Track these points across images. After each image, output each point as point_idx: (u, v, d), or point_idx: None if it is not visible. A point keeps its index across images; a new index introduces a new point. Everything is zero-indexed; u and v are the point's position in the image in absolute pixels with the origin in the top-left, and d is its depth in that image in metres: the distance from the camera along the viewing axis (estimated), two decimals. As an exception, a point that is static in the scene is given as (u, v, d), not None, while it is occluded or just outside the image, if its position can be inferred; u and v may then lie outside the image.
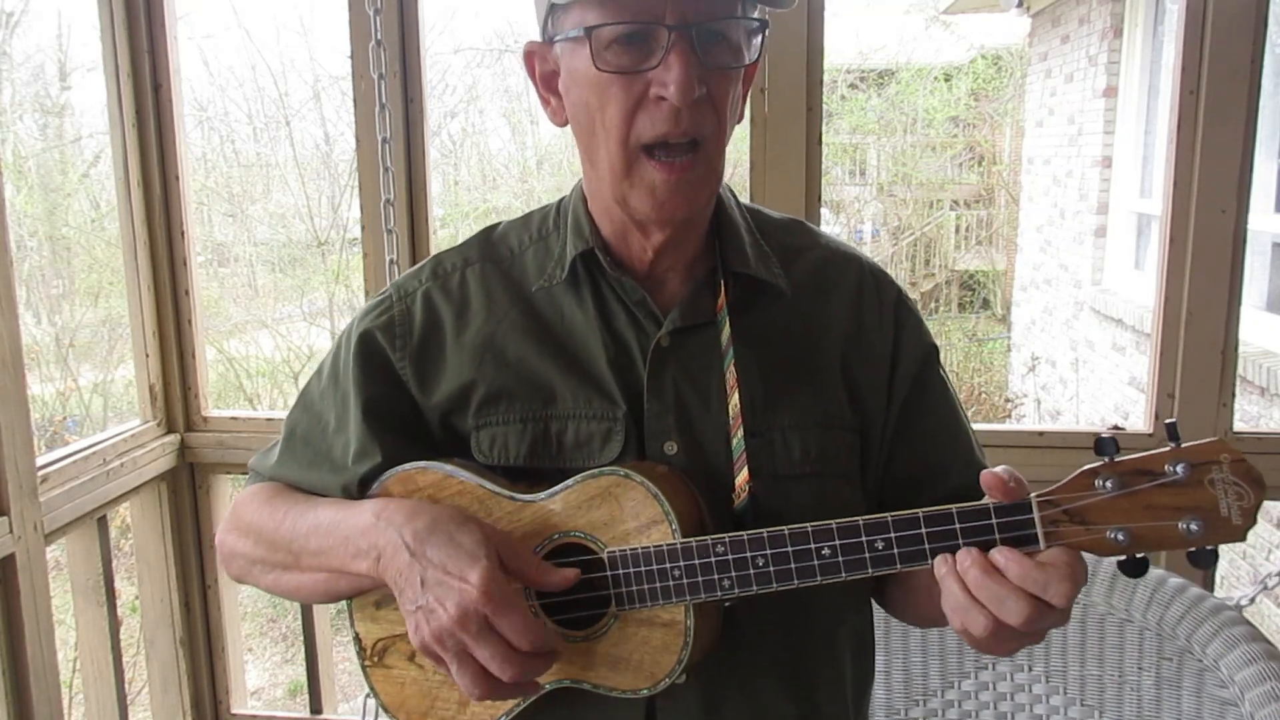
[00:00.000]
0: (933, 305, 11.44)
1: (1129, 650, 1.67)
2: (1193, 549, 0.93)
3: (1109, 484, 0.92)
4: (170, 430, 2.67)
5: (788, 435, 1.15)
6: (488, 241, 1.26)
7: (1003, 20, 10.50)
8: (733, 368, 1.14)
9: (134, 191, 2.54)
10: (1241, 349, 2.35)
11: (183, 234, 2.61)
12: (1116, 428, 2.36)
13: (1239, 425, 2.28)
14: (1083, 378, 7.25)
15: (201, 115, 8.49)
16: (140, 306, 2.59)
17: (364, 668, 1.20)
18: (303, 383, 1.32)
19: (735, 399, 1.13)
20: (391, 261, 2.31)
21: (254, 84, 8.61)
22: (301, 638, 3.07)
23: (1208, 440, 0.93)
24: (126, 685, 2.61)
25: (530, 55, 1.14)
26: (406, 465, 1.16)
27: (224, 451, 2.68)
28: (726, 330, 1.15)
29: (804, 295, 1.20)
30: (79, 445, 2.43)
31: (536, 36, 1.14)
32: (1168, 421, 0.94)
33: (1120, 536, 0.92)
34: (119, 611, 2.61)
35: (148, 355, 2.61)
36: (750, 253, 1.19)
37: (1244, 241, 2.19)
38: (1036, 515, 0.94)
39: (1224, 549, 4.60)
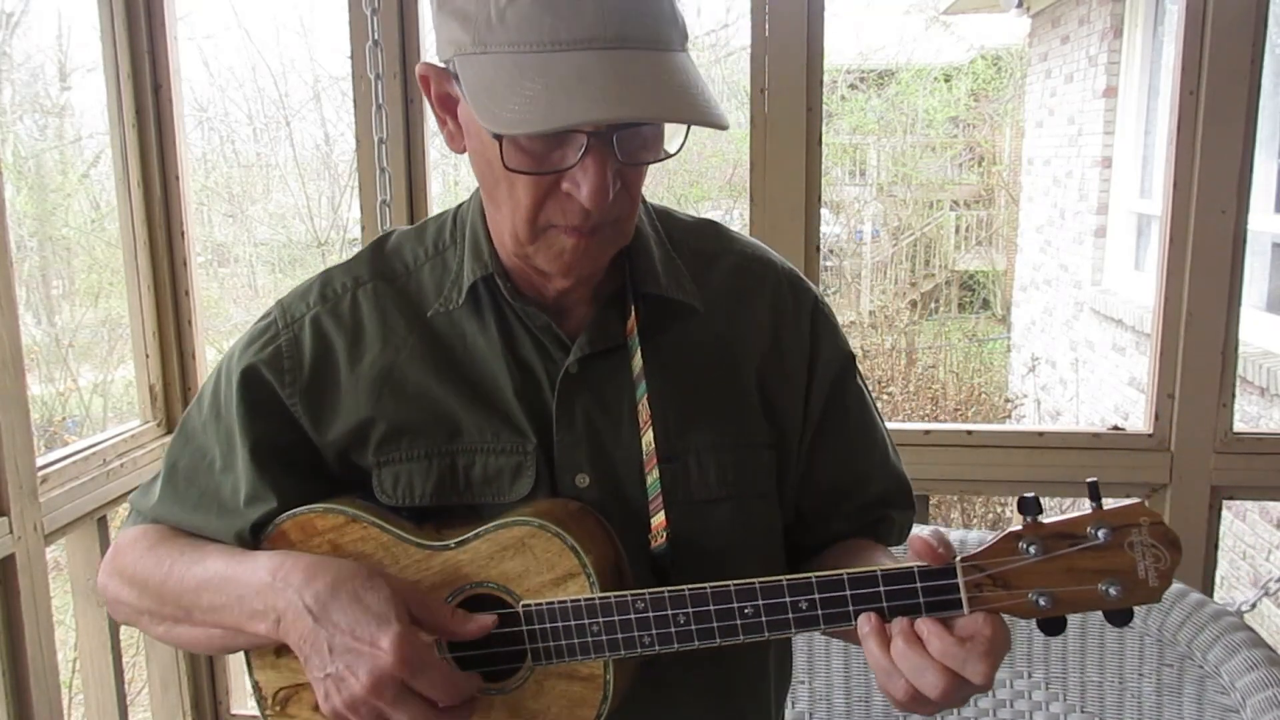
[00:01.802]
0: (933, 305, 11.44)
1: (1129, 656, 1.66)
2: (1110, 610, 0.95)
3: (1033, 548, 0.93)
4: (170, 431, 2.67)
5: (703, 458, 1.10)
6: (380, 255, 1.16)
7: (1003, 20, 10.50)
8: (645, 401, 1.08)
9: (134, 192, 2.54)
10: (1241, 349, 2.34)
11: (183, 234, 2.61)
12: (1116, 428, 2.35)
13: (1239, 425, 2.28)
14: (1083, 378, 7.25)
15: (201, 115, 8.51)
16: (140, 307, 2.58)
17: (266, 718, 1.13)
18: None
19: (649, 435, 1.08)
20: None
21: (254, 84, 8.63)
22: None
23: (1128, 503, 0.93)
24: (126, 685, 2.61)
25: (425, 79, 1.01)
26: (303, 509, 1.08)
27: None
28: (638, 357, 1.09)
29: (717, 306, 1.14)
30: (79, 445, 2.42)
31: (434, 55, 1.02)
32: (1089, 480, 0.94)
33: (1042, 601, 0.93)
34: (119, 612, 2.61)
35: (148, 356, 2.61)
36: (660, 269, 1.12)
37: (1244, 242, 2.19)
38: (961, 580, 0.94)
39: (1224, 549, 4.59)
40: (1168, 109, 2.27)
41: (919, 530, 1.02)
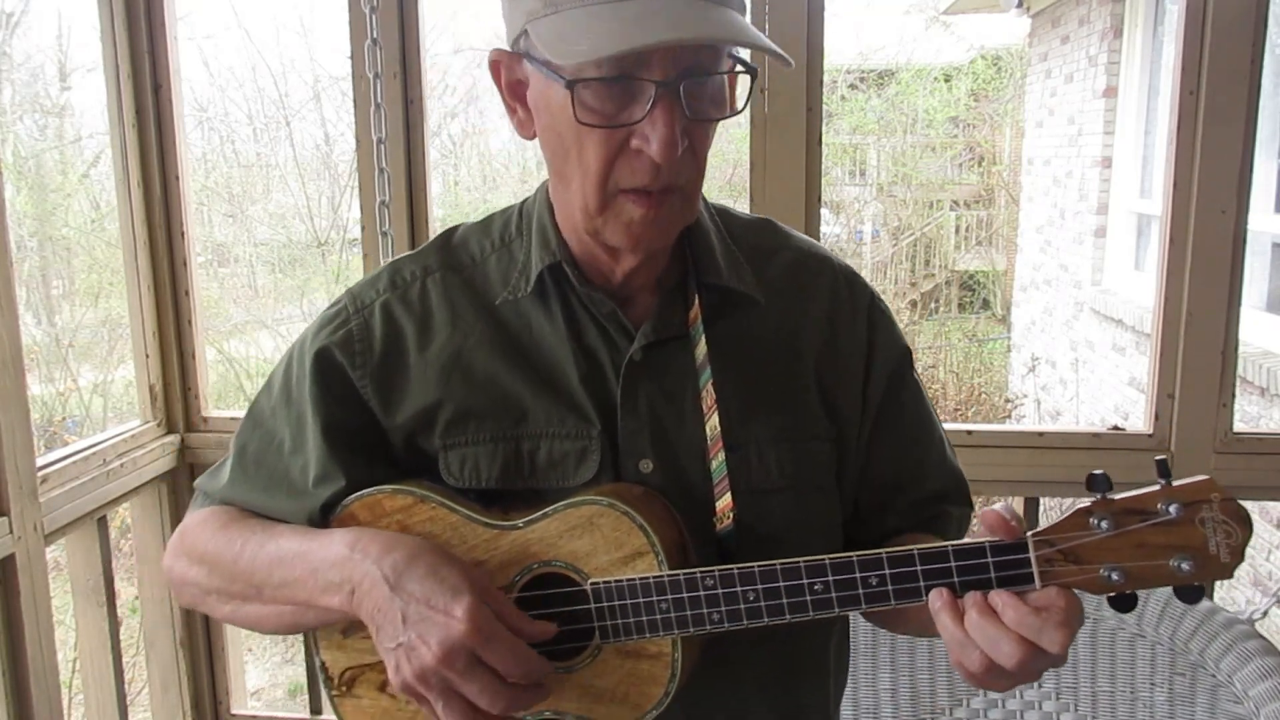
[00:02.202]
0: (933, 305, 11.44)
1: (1141, 666, 1.66)
2: (1181, 586, 0.94)
3: (1104, 524, 0.93)
4: (170, 431, 2.67)
5: (763, 448, 1.13)
6: (447, 247, 1.20)
7: (1003, 21, 10.50)
8: (710, 387, 1.11)
9: (134, 192, 2.54)
10: (1241, 349, 2.34)
11: (183, 234, 2.61)
12: (1116, 428, 2.35)
13: (1239, 425, 2.27)
14: (1083, 378, 7.25)
15: (201, 115, 8.50)
16: (140, 307, 2.58)
17: (332, 698, 1.15)
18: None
19: (714, 419, 1.10)
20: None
21: (254, 84, 8.63)
22: (301, 638, 3.07)
23: (1198, 479, 0.93)
24: (126, 685, 2.61)
25: (496, 64, 1.07)
26: (372, 489, 1.10)
27: (224, 452, 2.67)
28: (702, 345, 1.12)
29: (775, 301, 1.17)
30: (79, 445, 2.42)
31: (504, 42, 1.07)
32: (1158, 458, 0.94)
33: (1115, 576, 0.93)
34: (119, 612, 2.61)
35: (148, 356, 2.61)
36: (722, 261, 1.16)
37: (1244, 242, 2.19)
38: (1033, 554, 0.94)
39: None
40: (1168, 109, 2.27)
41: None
